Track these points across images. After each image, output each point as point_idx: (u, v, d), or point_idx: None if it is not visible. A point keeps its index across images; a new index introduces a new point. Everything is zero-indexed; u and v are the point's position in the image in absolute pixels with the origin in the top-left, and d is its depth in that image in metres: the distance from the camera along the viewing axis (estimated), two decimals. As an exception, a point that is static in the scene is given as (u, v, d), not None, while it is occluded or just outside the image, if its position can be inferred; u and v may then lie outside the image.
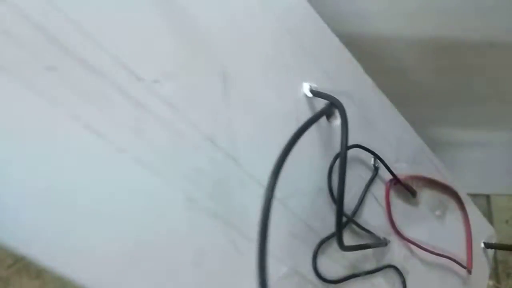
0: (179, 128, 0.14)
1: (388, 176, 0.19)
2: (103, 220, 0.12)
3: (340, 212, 0.15)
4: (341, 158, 0.14)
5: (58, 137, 0.12)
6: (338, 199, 0.15)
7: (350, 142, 0.18)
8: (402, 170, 0.20)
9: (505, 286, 0.56)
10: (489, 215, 0.57)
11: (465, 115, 0.55)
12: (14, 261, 0.65)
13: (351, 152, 0.18)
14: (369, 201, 0.19)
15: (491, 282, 0.55)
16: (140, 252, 0.13)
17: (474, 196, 0.60)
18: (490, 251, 0.25)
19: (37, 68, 0.11)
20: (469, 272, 0.22)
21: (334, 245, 0.17)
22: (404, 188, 0.20)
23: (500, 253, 0.57)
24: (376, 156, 0.19)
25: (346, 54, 0.18)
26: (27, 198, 0.11)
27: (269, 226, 0.12)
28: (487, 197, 0.60)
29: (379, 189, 0.20)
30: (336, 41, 0.18)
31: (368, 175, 0.19)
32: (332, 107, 0.16)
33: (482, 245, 0.24)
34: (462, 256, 0.23)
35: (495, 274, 0.57)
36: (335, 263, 0.18)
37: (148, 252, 0.13)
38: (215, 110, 0.14)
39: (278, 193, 0.15)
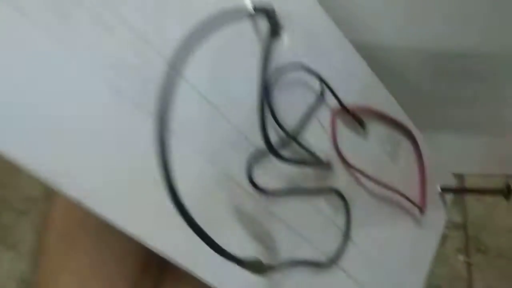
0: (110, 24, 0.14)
1: (337, 105, 0.20)
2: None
3: (262, 110, 0.15)
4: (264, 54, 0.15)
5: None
6: (260, 94, 0.15)
7: (293, 63, 0.18)
8: (351, 101, 0.20)
9: (476, 261, 0.57)
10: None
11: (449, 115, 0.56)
12: None
13: (296, 75, 0.18)
14: (314, 126, 0.19)
15: (461, 257, 0.56)
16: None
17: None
18: (448, 198, 0.25)
19: None
20: (421, 211, 0.23)
21: (273, 160, 0.17)
22: (352, 117, 0.20)
23: (471, 228, 0.58)
24: (321, 80, 0.19)
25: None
26: None
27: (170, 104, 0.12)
28: (461, 176, 0.61)
29: (326, 116, 0.20)
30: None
31: (313, 101, 0.19)
32: (274, 24, 0.17)
33: (439, 189, 0.24)
34: (414, 195, 0.23)
35: (465, 250, 0.57)
36: (273, 178, 0.18)
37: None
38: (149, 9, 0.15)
39: (212, 98, 0.16)
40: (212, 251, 0.14)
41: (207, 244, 0.13)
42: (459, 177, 0.60)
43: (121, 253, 0.18)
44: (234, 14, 0.15)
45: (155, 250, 0.15)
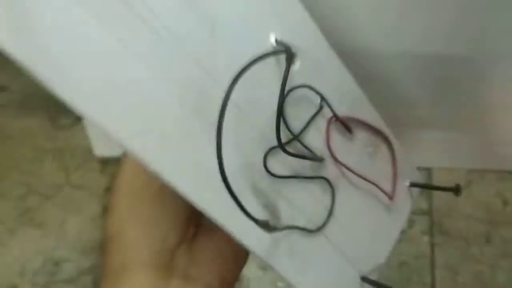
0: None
1: (331, 115, 0.26)
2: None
3: (279, 113, 0.22)
4: (284, 78, 0.21)
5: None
6: (278, 107, 0.22)
7: (301, 84, 0.25)
8: (342, 112, 0.27)
9: (438, 242, 0.65)
10: None
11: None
12: (20, 213, 0.73)
13: (302, 92, 0.25)
14: (313, 130, 0.26)
15: (426, 238, 0.63)
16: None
17: (417, 169, 0.69)
18: (415, 192, 0.32)
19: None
20: (391, 199, 0.30)
21: (282, 154, 0.24)
22: (342, 124, 0.27)
23: (436, 214, 0.66)
24: (322, 97, 0.26)
25: (307, 18, 0.25)
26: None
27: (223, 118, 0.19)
28: (429, 170, 0.69)
29: (322, 124, 0.27)
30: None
31: (314, 111, 0.26)
32: (290, 55, 0.23)
33: (408, 183, 0.31)
34: (387, 187, 0.30)
35: (430, 232, 0.65)
36: (281, 166, 0.25)
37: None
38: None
39: (243, 106, 0.22)
40: (238, 211, 0.20)
41: (237, 205, 0.20)
42: (428, 170, 0.68)
43: (174, 208, 0.25)
44: (268, 52, 0.21)
45: (198, 208, 0.21)
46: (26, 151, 0.80)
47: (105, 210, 0.72)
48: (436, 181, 0.69)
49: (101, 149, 0.76)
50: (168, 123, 0.20)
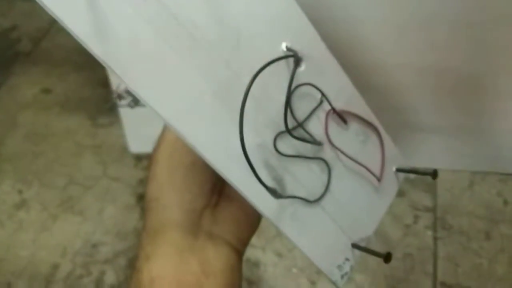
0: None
1: (329, 108, 0.33)
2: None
3: (286, 106, 0.29)
4: (290, 78, 0.28)
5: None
6: (286, 100, 0.29)
7: (305, 82, 0.31)
8: (339, 106, 0.34)
9: (441, 236, 0.69)
10: (434, 185, 0.72)
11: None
12: (62, 201, 0.81)
13: (306, 88, 0.32)
14: (314, 120, 0.33)
15: (429, 233, 0.69)
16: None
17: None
18: (401, 176, 0.38)
19: None
20: (379, 180, 0.36)
21: (289, 137, 0.31)
22: (338, 116, 0.33)
23: (439, 211, 0.71)
24: (322, 93, 0.32)
25: (312, 29, 0.32)
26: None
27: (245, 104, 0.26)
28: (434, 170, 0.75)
29: (322, 115, 0.33)
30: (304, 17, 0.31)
31: (316, 104, 0.33)
32: (297, 59, 0.30)
33: (394, 169, 0.38)
34: (376, 170, 0.36)
35: (433, 227, 0.70)
36: (288, 147, 0.31)
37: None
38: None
39: (258, 97, 0.29)
40: (253, 180, 0.27)
41: (253, 173, 0.27)
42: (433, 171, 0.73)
43: (202, 178, 0.32)
44: (280, 56, 0.28)
45: (222, 175, 0.28)
46: (68, 146, 0.89)
47: (139, 199, 0.80)
48: (440, 182, 0.75)
49: (136, 146, 0.85)
50: (203, 108, 0.27)
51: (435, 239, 0.69)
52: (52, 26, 1.10)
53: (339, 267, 0.35)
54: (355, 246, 0.35)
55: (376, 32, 0.64)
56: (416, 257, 0.68)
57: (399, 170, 0.38)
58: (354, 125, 0.35)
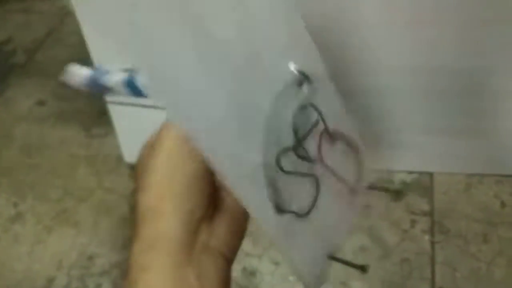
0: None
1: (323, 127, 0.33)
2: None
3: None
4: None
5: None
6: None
7: (307, 102, 0.31)
8: (330, 125, 0.34)
9: (438, 240, 0.69)
10: (431, 189, 0.72)
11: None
12: (57, 213, 0.81)
13: (304, 108, 0.32)
14: (309, 138, 0.33)
15: (427, 237, 0.69)
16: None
17: (419, 173, 0.74)
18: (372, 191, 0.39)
19: None
20: (353, 194, 0.36)
21: (288, 155, 0.31)
22: (329, 136, 0.34)
23: (437, 215, 0.70)
24: (319, 114, 0.32)
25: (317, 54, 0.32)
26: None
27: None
28: (431, 174, 0.75)
29: (317, 132, 0.33)
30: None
31: (312, 123, 0.33)
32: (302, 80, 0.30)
33: (366, 184, 0.38)
34: (352, 185, 0.37)
35: (431, 232, 0.70)
36: (287, 163, 0.31)
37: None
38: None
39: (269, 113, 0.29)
40: (261, 195, 0.27)
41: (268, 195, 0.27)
42: (430, 174, 0.74)
43: (200, 188, 0.31)
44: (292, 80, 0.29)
45: (232, 189, 0.27)
46: (63, 158, 0.89)
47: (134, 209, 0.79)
48: (437, 186, 0.75)
49: (131, 156, 0.84)
50: (215, 119, 0.26)
51: (433, 243, 0.69)
52: (47, 38, 1.10)
53: (318, 277, 0.35)
54: (332, 258, 0.35)
55: (371, 35, 0.64)
56: (414, 262, 0.68)
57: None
58: (340, 141, 0.36)
